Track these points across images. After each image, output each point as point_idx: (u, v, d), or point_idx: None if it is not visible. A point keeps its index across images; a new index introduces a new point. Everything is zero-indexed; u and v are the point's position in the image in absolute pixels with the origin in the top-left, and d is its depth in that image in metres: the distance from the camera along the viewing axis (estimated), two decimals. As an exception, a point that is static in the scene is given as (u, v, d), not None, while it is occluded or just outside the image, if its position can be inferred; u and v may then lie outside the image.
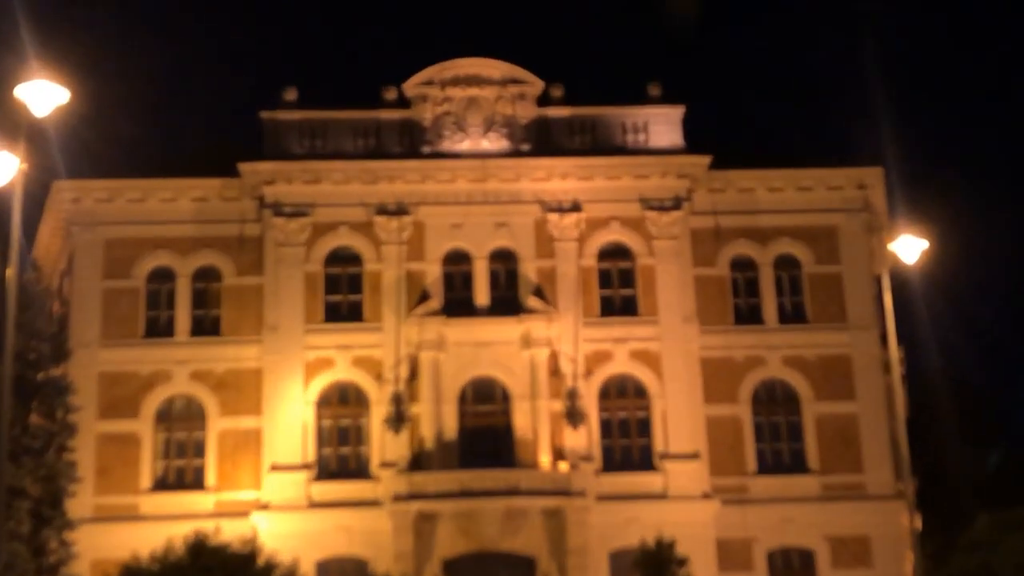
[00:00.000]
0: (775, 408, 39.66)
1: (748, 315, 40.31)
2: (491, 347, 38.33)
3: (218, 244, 39.52)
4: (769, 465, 39.09)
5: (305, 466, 37.26)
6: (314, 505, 36.99)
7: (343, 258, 39.36)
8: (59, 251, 41.95)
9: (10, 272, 19.83)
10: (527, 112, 40.33)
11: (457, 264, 39.45)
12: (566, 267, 39.09)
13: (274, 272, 38.71)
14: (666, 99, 40.79)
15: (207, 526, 28.27)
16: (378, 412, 37.71)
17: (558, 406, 37.84)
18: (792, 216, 40.77)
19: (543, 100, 40.59)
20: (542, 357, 38.20)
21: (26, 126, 19.14)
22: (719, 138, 40.75)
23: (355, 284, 39.16)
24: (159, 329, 39.05)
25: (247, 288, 39.13)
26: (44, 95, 18.40)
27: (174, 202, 39.60)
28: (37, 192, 38.73)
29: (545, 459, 37.29)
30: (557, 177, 39.59)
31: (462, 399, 38.27)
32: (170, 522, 33.88)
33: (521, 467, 37.08)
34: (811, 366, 39.69)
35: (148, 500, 37.48)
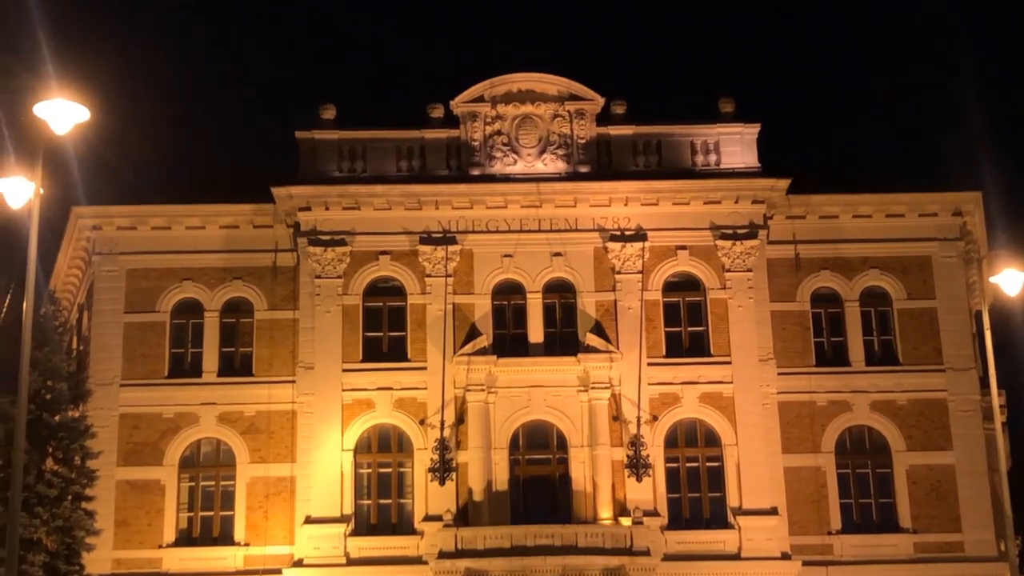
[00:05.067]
0: (862, 459, 39.11)
1: (832, 355, 39.88)
2: (546, 389, 38.15)
3: (249, 275, 39.76)
4: (856, 522, 38.52)
5: (342, 519, 37.19)
6: (352, 562, 36.88)
7: (384, 290, 39.42)
8: (78, 282, 42.42)
9: (26, 306, 19.98)
10: (586, 131, 40.30)
11: (509, 297, 39.39)
12: (629, 301, 38.90)
13: (310, 306, 38.84)
14: (739, 117, 40.60)
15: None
16: (421, 459, 37.63)
17: (620, 455, 37.54)
18: (881, 246, 40.37)
19: (603, 118, 40.55)
20: (602, 401, 37.97)
21: (44, 147, 19.36)
22: (797, 159, 40.47)
23: (397, 319, 39.19)
24: (185, 368, 39.29)
25: (280, 323, 39.30)
26: (63, 114, 18.60)
27: (202, 230, 39.92)
28: (55, 218, 39.28)
29: (605, 513, 36.97)
30: (619, 202, 39.47)
31: (514, 446, 38.10)
32: (195, 579, 33.96)
33: (579, 522, 36.77)
34: (902, 412, 39.14)
35: (172, 555, 37.57)
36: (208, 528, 38.18)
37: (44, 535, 30.45)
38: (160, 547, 37.61)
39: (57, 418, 31.80)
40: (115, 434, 37.85)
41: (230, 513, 38.10)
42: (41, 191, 19.54)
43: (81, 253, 41.14)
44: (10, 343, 25.30)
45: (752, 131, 40.52)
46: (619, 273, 39.16)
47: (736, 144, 40.39)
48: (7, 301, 28.07)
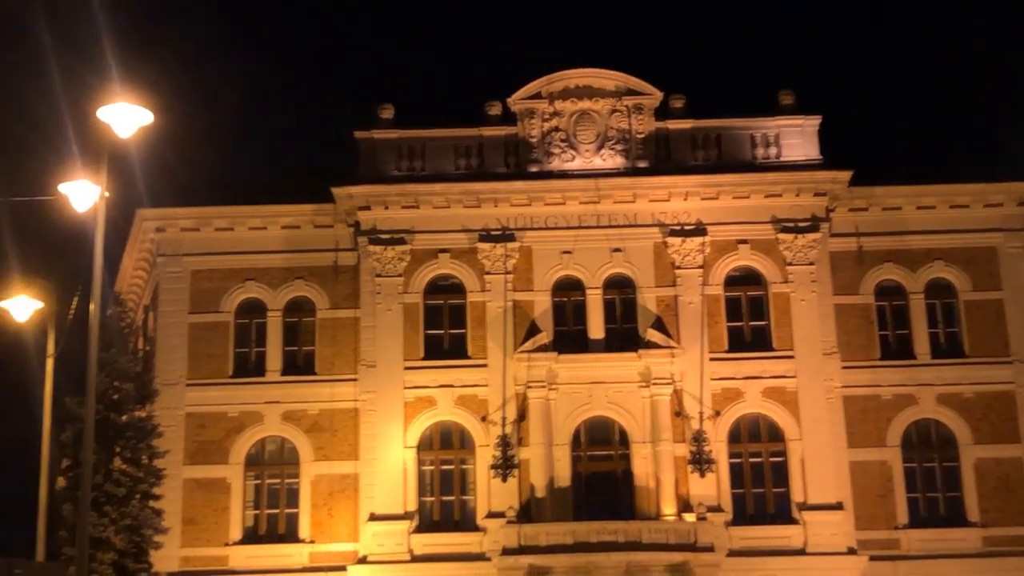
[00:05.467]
0: (929, 452, 38.70)
1: (897, 348, 39.47)
2: (607, 386, 38.10)
3: (311, 275, 40.06)
4: (922, 516, 38.13)
5: (406, 516, 37.38)
6: (416, 559, 37.07)
7: (444, 288, 39.56)
8: (143, 284, 42.96)
9: (92, 308, 20.27)
10: (644, 126, 40.17)
11: (568, 294, 39.36)
12: (689, 296, 38.72)
13: (371, 304, 39.06)
14: (800, 109, 40.29)
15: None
16: (483, 456, 37.72)
17: (682, 450, 37.40)
18: (945, 237, 39.89)
19: (662, 112, 40.40)
20: (664, 396, 37.84)
21: (109, 150, 19.63)
22: (859, 151, 40.07)
23: (457, 316, 39.31)
24: (249, 367, 39.66)
25: (342, 322, 39.56)
26: (128, 117, 18.84)
27: (264, 230, 40.26)
28: (119, 221, 39.80)
29: (669, 509, 36.85)
30: (679, 197, 39.30)
31: (575, 443, 38.08)
32: (261, 576, 34.28)
33: (642, 518, 36.67)
34: (969, 405, 38.66)
35: (238, 552, 37.96)
36: (273, 526, 38.52)
37: (113, 534, 30.82)
38: (226, 544, 38.01)
39: (124, 418, 32.18)
40: (181, 433, 38.27)
41: (295, 510, 38.40)
42: (106, 194, 19.80)
43: (146, 255, 41.64)
44: (78, 345, 25.68)
45: (813, 123, 40.19)
46: (679, 268, 39.00)
47: (797, 136, 40.07)
48: (75, 303, 28.48)
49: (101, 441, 29.85)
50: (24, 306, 24.55)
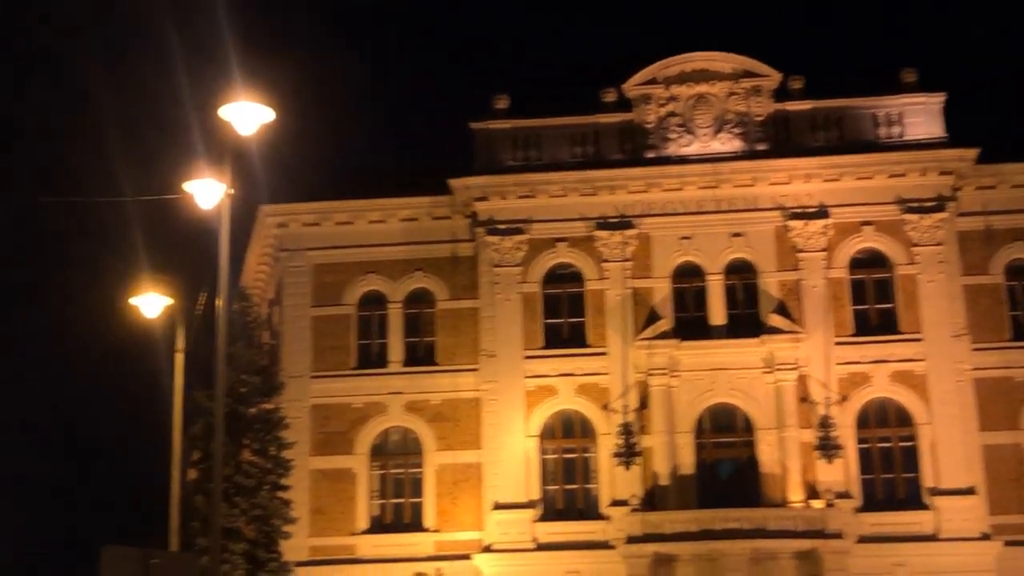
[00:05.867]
0: (1066, 435, 37.59)
1: (1029, 329, 38.40)
2: (730, 372, 37.71)
3: (430, 266, 40.33)
4: (1061, 501, 37.06)
5: (529, 504, 37.49)
6: (541, 547, 37.15)
7: (563, 277, 39.52)
8: (267, 278, 43.68)
9: (219, 303, 20.62)
10: (763, 108, 39.60)
11: (688, 280, 39.02)
12: (813, 280, 38.10)
13: (490, 294, 39.20)
14: (923, 86, 39.34)
15: (427, 569, 28.75)
16: (606, 444, 37.63)
17: (809, 436, 36.85)
18: (1079, 213, 38.68)
19: (780, 94, 39.77)
20: (789, 382, 37.31)
21: (232, 148, 19.93)
22: (986, 128, 38.95)
23: (576, 305, 39.24)
24: (372, 358, 40.11)
25: (462, 312, 39.77)
26: (249, 115, 19.11)
27: (383, 223, 40.64)
28: (242, 217, 40.50)
29: (796, 496, 36.35)
30: (800, 179, 38.68)
31: (699, 430, 37.77)
32: (389, 565, 34.73)
33: (768, 505, 36.25)
34: (1106, 385, 37.43)
35: (365, 542, 38.41)
36: (399, 515, 38.92)
37: (244, 524, 31.45)
38: (353, 534, 38.50)
39: (252, 411, 32.80)
40: (307, 424, 38.84)
41: (419, 500, 38.74)
42: (231, 191, 20.12)
43: (269, 250, 42.31)
44: (205, 340, 26.17)
45: (937, 100, 39.22)
46: (801, 251, 38.40)
47: (920, 114, 39.16)
48: (202, 299, 29.06)
49: (230, 433, 30.40)
50: (154, 303, 25.06)
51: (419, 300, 40.37)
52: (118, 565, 13.86)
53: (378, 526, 38.74)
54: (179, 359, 25.03)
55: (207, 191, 21.32)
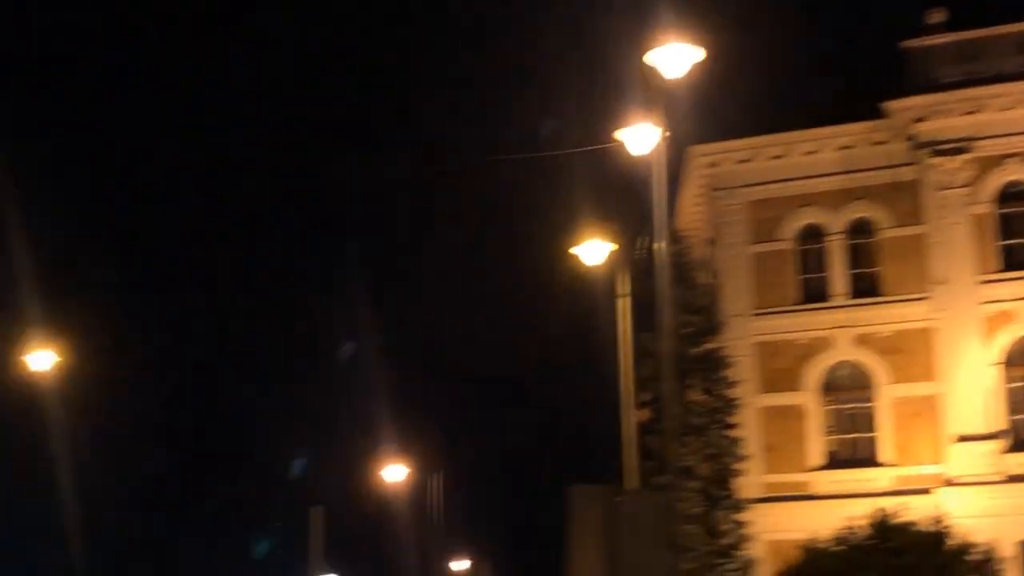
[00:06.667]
0: None
1: None
2: None
3: (869, 194, 39.02)
4: None
5: (995, 435, 35.70)
6: (1012, 479, 35.36)
7: (1015, 195, 37.18)
8: (701, 219, 43.85)
9: (659, 246, 20.95)
10: None
11: None
12: None
13: (936, 219, 37.46)
14: None
15: (885, 504, 28.07)
16: (1082, 371, 35.22)
17: None
18: None
19: None
20: None
21: (664, 92, 20.12)
22: None
23: (1033, 224, 36.88)
24: (814, 293, 39.41)
25: (905, 240, 38.28)
26: (678, 57, 19.20)
27: (817, 154, 39.71)
28: (670, 160, 40.71)
29: None
30: None
31: None
32: (844, 501, 34.14)
33: None
34: None
35: (819, 478, 37.96)
36: (852, 450, 38.16)
37: (696, 463, 31.96)
38: (807, 471, 38.15)
39: (696, 351, 33.17)
40: (752, 362, 38.69)
41: (872, 435, 37.81)
42: (667, 134, 20.36)
43: (701, 190, 42.40)
44: (645, 284, 26.72)
45: None
46: None
47: None
48: (640, 244, 29.64)
49: (676, 374, 30.93)
50: (596, 250, 25.84)
51: (860, 230, 39.20)
52: (587, 502, 14.98)
53: (832, 462, 38.16)
54: (624, 303, 25.73)
55: (639, 137, 21.68)
